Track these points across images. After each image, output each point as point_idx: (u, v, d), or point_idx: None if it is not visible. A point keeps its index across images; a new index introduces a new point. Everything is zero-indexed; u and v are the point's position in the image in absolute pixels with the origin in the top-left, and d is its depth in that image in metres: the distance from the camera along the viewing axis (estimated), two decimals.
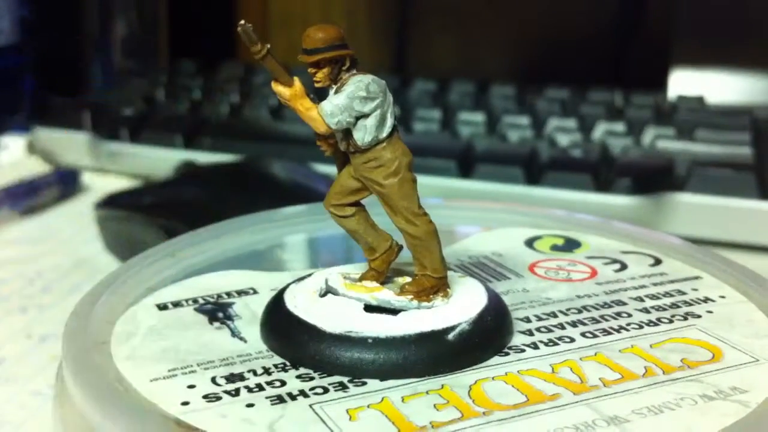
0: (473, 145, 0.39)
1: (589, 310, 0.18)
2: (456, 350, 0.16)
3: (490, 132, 0.42)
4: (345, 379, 0.15)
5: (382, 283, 0.17)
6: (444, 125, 0.43)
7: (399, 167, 0.16)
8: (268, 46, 0.16)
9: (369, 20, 0.62)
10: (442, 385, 0.15)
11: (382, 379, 0.15)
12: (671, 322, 0.18)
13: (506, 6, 0.59)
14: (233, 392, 0.15)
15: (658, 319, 0.18)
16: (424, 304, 0.17)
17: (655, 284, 0.20)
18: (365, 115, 0.16)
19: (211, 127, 0.43)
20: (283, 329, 0.17)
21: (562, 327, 0.17)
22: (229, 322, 0.18)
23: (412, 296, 0.17)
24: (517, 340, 0.17)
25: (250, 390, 0.15)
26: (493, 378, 0.15)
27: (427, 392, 0.15)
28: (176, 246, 0.22)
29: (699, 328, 0.17)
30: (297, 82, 0.16)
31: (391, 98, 0.17)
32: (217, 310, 0.18)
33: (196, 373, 0.15)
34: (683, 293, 0.19)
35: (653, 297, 0.19)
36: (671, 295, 0.19)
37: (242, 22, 0.15)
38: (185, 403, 0.14)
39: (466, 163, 0.38)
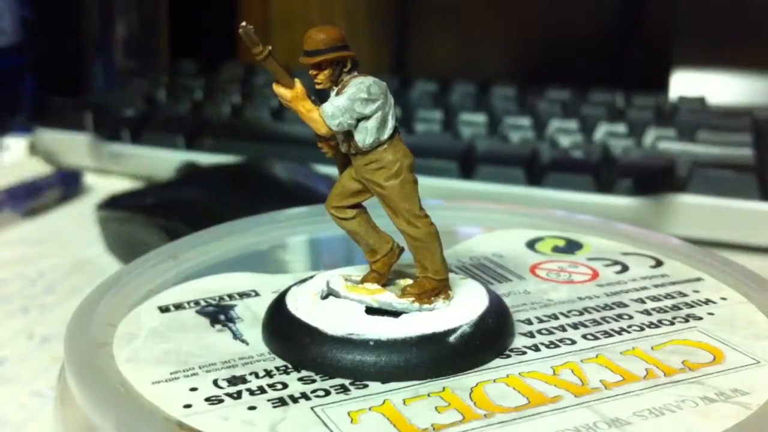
0: (474, 146, 0.39)
1: (590, 312, 0.18)
2: (457, 352, 0.16)
3: (491, 133, 0.42)
4: (346, 382, 0.15)
5: (384, 285, 0.17)
6: (445, 126, 0.43)
7: (400, 169, 0.16)
8: (270, 47, 0.16)
9: (369, 21, 0.62)
10: (444, 388, 0.15)
11: (383, 382, 0.15)
12: (672, 323, 0.18)
13: (507, 6, 0.59)
14: (235, 395, 0.15)
15: (659, 321, 0.18)
16: (426, 306, 0.17)
17: (656, 286, 0.20)
18: (366, 117, 0.16)
19: (213, 128, 0.43)
20: (285, 331, 0.17)
21: (563, 329, 0.17)
22: (230, 325, 0.18)
23: (413, 298, 0.17)
24: (519, 342, 0.17)
25: (251, 392, 0.15)
26: (494, 380, 0.15)
27: (428, 395, 0.15)
28: (178, 248, 0.22)
29: (700, 330, 0.17)
30: (298, 83, 0.16)
31: (392, 100, 0.17)
32: (218, 313, 0.18)
33: (198, 376, 0.16)
34: (684, 295, 0.19)
35: (654, 299, 0.19)
36: (672, 297, 0.19)
37: (243, 23, 0.15)
38: (187, 406, 0.14)
39: (467, 164, 0.38)
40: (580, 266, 0.21)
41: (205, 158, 0.40)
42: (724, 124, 0.41)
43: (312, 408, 0.14)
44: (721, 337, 0.17)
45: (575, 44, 0.57)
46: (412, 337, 0.16)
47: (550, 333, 0.17)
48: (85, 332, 0.17)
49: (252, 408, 0.14)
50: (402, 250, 0.18)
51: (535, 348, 0.17)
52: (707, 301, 0.19)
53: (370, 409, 0.14)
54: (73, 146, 0.45)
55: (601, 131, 0.41)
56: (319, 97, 0.17)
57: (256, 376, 0.15)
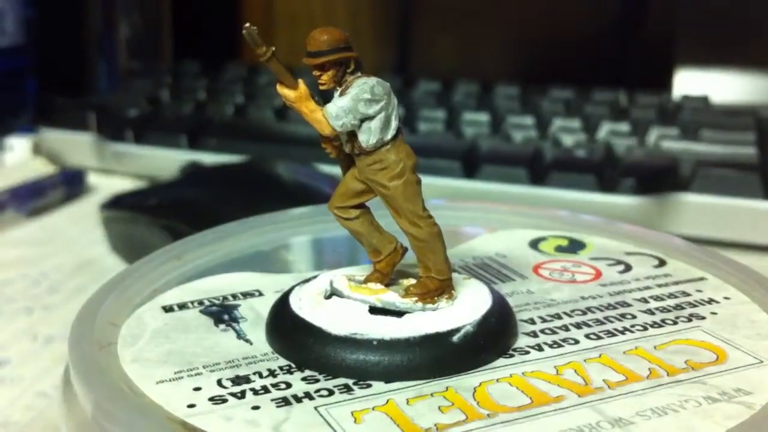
0: (477, 145, 0.39)
1: (593, 312, 0.18)
2: (461, 352, 0.16)
3: (494, 132, 0.42)
4: (350, 382, 0.15)
5: (387, 285, 0.17)
6: (448, 125, 0.43)
7: (403, 169, 0.17)
8: (273, 48, 0.16)
9: (372, 21, 0.62)
10: (447, 387, 0.15)
11: (387, 381, 0.15)
12: (675, 323, 0.18)
13: (510, 6, 0.59)
14: (239, 394, 0.15)
15: (663, 321, 0.18)
16: (429, 306, 0.17)
17: (659, 286, 0.20)
18: (370, 118, 0.16)
19: (216, 128, 0.43)
20: (288, 331, 0.17)
21: (566, 329, 0.17)
22: (234, 324, 0.18)
23: (416, 298, 0.17)
24: (522, 341, 0.17)
25: (255, 392, 0.15)
26: (497, 380, 0.15)
27: (431, 394, 0.15)
28: (182, 248, 0.22)
29: (703, 330, 0.17)
30: (302, 84, 0.16)
31: (396, 100, 0.17)
32: (222, 312, 0.18)
33: (202, 376, 0.16)
34: (687, 294, 0.19)
35: (657, 298, 0.19)
36: (675, 297, 0.19)
37: (247, 24, 0.16)
38: (191, 406, 0.14)
39: (471, 163, 0.38)
40: (583, 266, 0.21)
41: (209, 158, 0.40)
42: (728, 122, 0.41)
43: (316, 408, 0.14)
44: (724, 336, 0.17)
45: (578, 43, 0.57)
46: (415, 337, 0.16)
47: (554, 333, 0.17)
48: (89, 332, 0.17)
49: (255, 408, 0.14)
50: (405, 250, 0.18)
51: (539, 348, 0.17)
52: (710, 301, 0.19)
53: (373, 408, 0.14)
54: (76, 146, 0.45)
55: (604, 130, 0.41)
56: (323, 97, 0.17)
57: (260, 375, 0.16)
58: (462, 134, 0.42)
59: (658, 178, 0.36)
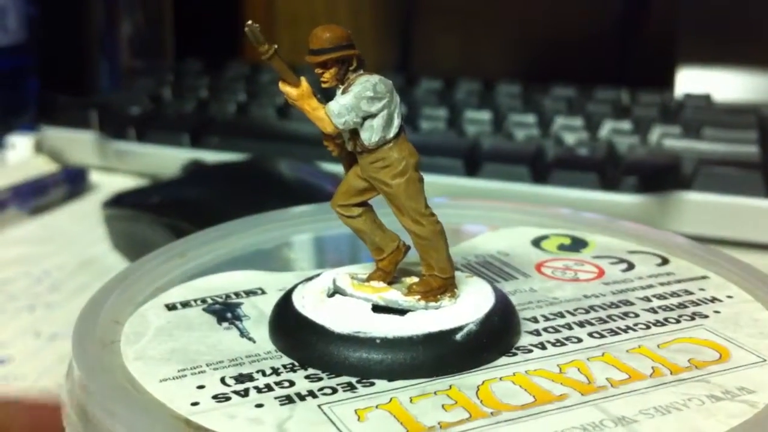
0: (479, 143, 0.39)
1: (596, 310, 0.18)
2: (464, 351, 0.16)
3: (496, 130, 0.42)
4: (353, 380, 0.15)
5: (390, 284, 0.17)
6: (450, 124, 0.43)
7: (406, 167, 0.17)
8: (275, 46, 0.16)
9: (374, 20, 0.61)
10: (450, 386, 0.15)
11: (390, 380, 0.15)
12: (678, 322, 0.18)
13: (512, 5, 0.59)
14: (242, 392, 0.15)
15: (666, 319, 0.18)
16: (432, 304, 0.17)
17: (662, 284, 0.20)
18: (372, 115, 0.16)
19: (218, 126, 0.43)
20: (292, 329, 0.17)
21: (569, 327, 0.17)
22: (237, 323, 0.18)
23: (419, 296, 0.17)
24: (525, 340, 0.17)
25: (259, 390, 0.15)
26: (500, 378, 0.15)
27: (435, 393, 0.15)
28: (184, 246, 0.22)
29: (706, 328, 0.17)
30: (304, 82, 0.16)
31: (398, 98, 0.17)
32: (225, 311, 0.18)
33: (206, 374, 0.16)
34: (690, 293, 0.19)
35: (660, 297, 0.19)
36: (678, 295, 0.19)
37: (249, 22, 0.15)
38: (195, 404, 0.14)
39: (473, 161, 0.38)
40: (585, 264, 0.21)
41: (211, 156, 0.40)
42: (730, 121, 0.41)
43: (319, 406, 0.14)
44: (727, 335, 0.17)
45: (580, 41, 0.57)
46: (418, 335, 0.16)
47: (557, 331, 0.17)
48: (92, 330, 0.17)
49: (259, 406, 0.14)
50: (408, 248, 0.18)
51: (542, 346, 0.17)
52: (713, 300, 0.19)
53: (377, 406, 0.14)
54: (78, 144, 0.45)
55: (606, 128, 0.41)
56: (325, 95, 0.17)
57: (263, 374, 0.16)
58: (464, 132, 0.42)
59: (660, 177, 0.36)
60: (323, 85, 0.16)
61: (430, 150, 0.37)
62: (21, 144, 0.48)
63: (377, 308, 0.17)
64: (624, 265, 0.21)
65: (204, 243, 0.22)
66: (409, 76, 0.50)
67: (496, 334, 0.16)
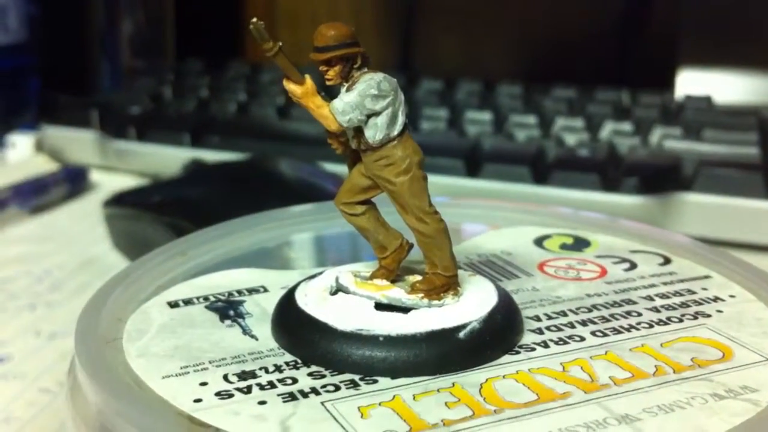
0: (480, 144, 0.39)
1: (599, 309, 0.18)
2: (467, 349, 0.16)
3: (497, 131, 0.42)
4: (356, 377, 0.15)
5: (393, 282, 0.17)
6: (451, 124, 0.43)
7: (410, 165, 0.17)
8: (280, 43, 0.16)
9: (375, 19, 0.62)
10: (453, 384, 0.15)
11: (393, 377, 0.15)
12: (681, 321, 0.18)
13: (513, 5, 0.59)
14: (245, 389, 0.15)
15: (668, 319, 0.18)
16: (435, 302, 0.17)
17: (664, 283, 0.20)
18: (376, 113, 0.16)
19: (219, 126, 0.43)
20: (295, 327, 0.17)
21: (572, 326, 0.17)
22: (240, 320, 0.18)
23: (422, 294, 0.17)
24: (528, 338, 0.17)
25: (261, 387, 0.15)
26: (504, 376, 0.15)
27: (438, 390, 0.15)
28: (185, 245, 0.22)
29: (709, 327, 0.17)
30: (308, 80, 0.16)
31: (402, 96, 0.17)
32: (227, 308, 0.18)
33: (208, 371, 0.16)
34: (693, 292, 0.19)
35: (663, 296, 0.19)
36: (681, 295, 0.19)
37: (254, 19, 0.15)
38: (198, 401, 0.14)
39: (473, 162, 0.38)
40: (588, 263, 0.21)
41: (211, 156, 0.40)
42: (730, 122, 0.41)
43: (322, 403, 0.14)
44: (730, 334, 0.17)
45: (581, 42, 0.57)
46: (421, 333, 0.16)
47: (559, 330, 0.17)
48: (94, 328, 0.17)
49: (262, 403, 0.14)
50: (411, 246, 0.18)
51: (544, 344, 0.17)
52: (716, 299, 0.19)
53: (380, 404, 0.14)
54: (79, 143, 0.45)
55: (607, 129, 0.41)
56: (329, 93, 0.17)
57: (266, 371, 0.16)
58: (465, 133, 0.42)
59: (661, 178, 0.36)
60: (327, 83, 0.16)
61: (430, 150, 0.37)
62: (21, 143, 0.48)
63: (380, 306, 0.17)
64: (626, 265, 0.21)
65: (204, 242, 0.22)
66: (410, 76, 0.50)
67: (499, 333, 0.16)
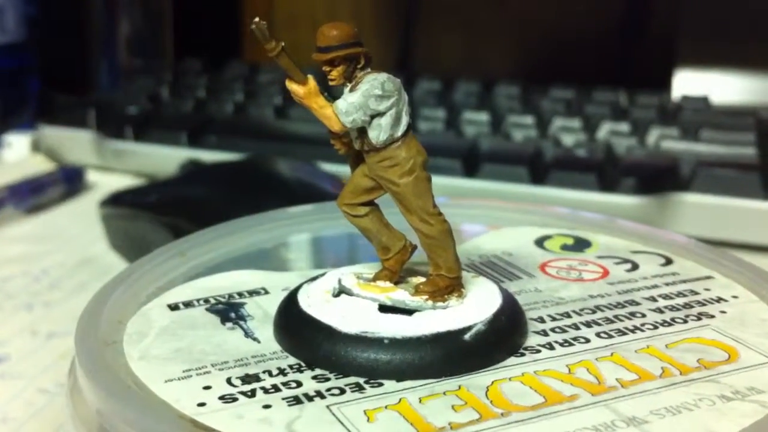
0: (478, 144, 0.39)
1: (602, 310, 0.18)
2: (472, 351, 0.16)
3: (494, 131, 0.42)
4: (361, 380, 0.15)
5: (396, 283, 0.17)
6: (449, 124, 0.43)
7: (414, 166, 0.16)
8: (282, 43, 0.16)
9: (375, 20, 0.61)
10: (459, 386, 0.15)
11: (398, 380, 0.15)
12: (685, 322, 0.18)
13: (511, 6, 0.59)
14: (249, 393, 0.15)
15: (672, 319, 0.18)
16: (439, 304, 0.17)
17: (667, 284, 0.20)
18: (380, 114, 0.16)
19: (216, 126, 0.43)
20: (298, 329, 0.16)
21: (576, 327, 0.17)
22: (242, 323, 0.18)
23: (426, 296, 0.17)
24: (533, 340, 0.17)
25: (266, 391, 0.15)
26: (510, 379, 0.15)
27: (444, 393, 0.15)
28: (185, 245, 0.22)
29: (713, 328, 0.17)
30: (311, 80, 0.16)
31: (406, 96, 0.16)
32: (228, 311, 0.18)
33: (211, 374, 0.15)
34: (696, 293, 0.19)
35: (666, 297, 0.19)
36: (684, 295, 0.19)
37: (257, 19, 0.15)
38: (201, 404, 0.14)
39: (471, 162, 0.38)
40: (589, 264, 0.21)
41: (209, 156, 0.40)
42: (728, 123, 0.41)
43: (328, 406, 0.14)
44: (735, 335, 0.17)
45: (579, 43, 0.57)
46: (426, 335, 0.16)
47: (564, 331, 0.17)
48: (94, 330, 0.17)
49: (267, 406, 0.14)
50: (415, 248, 0.17)
51: (549, 346, 0.16)
52: (719, 300, 0.19)
53: (386, 407, 0.14)
54: (76, 143, 0.45)
55: (604, 130, 0.41)
56: (331, 94, 0.17)
57: (270, 374, 0.15)
58: (462, 133, 0.42)
59: (658, 178, 0.36)
60: (330, 83, 0.16)
61: (428, 150, 0.37)
62: (18, 143, 0.47)
63: (384, 308, 0.17)
64: (628, 265, 0.21)
65: (203, 243, 0.22)
66: (408, 76, 0.50)
67: (504, 334, 0.16)
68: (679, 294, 0.19)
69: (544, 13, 0.58)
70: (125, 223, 0.33)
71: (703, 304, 0.19)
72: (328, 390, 0.15)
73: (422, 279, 0.17)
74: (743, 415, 0.14)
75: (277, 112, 0.45)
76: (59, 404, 0.23)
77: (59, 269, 0.32)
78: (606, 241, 0.23)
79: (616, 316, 0.18)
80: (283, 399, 0.15)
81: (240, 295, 0.19)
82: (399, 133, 0.16)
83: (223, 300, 0.19)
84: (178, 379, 0.15)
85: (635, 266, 0.21)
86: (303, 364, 0.16)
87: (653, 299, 0.19)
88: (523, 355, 0.16)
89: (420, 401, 0.14)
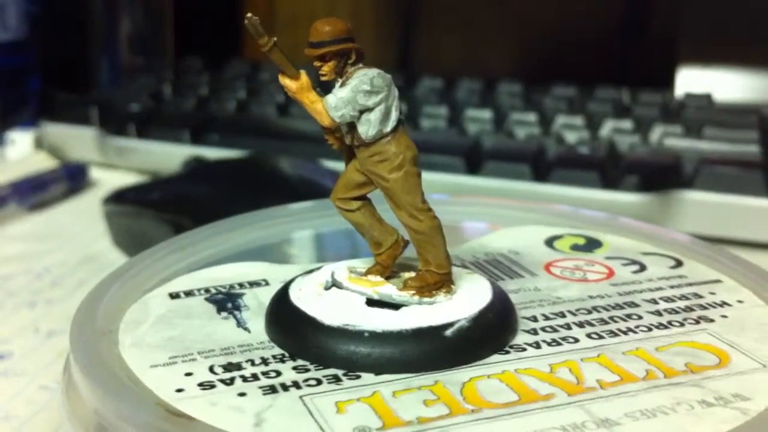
0: (480, 142, 0.39)
1: (599, 311, 0.18)
2: (453, 347, 0.15)
3: (497, 129, 0.42)
4: (340, 372, 0.15)
5: (388, 278, 0.17)
6: (451, 122, 0.43)
7: (403, 161, 0.16)
8: (275, 39, 0.16)
9: (375, 19, 0.61)
10: (436, 381, 0.15)
11: (376, 374, 0.15)
12: (682, 325, 0.17)
13: (513, 4, 0.59)
14: (228, 381, 0.15)
15: (669, 323, 0.17)
16: (426, 299, 0.17)
17: (672, 287, 0.19)
18: (369, 109, 0.16)
19: (218, 124, 0.43)
20: (284, 320, 0.17)
21: (568, 327, 0.17)
22: (236, 313, 0.18)
23: (414, 291, 0.17)
24: (520, 338, 0.17)
25: (244, 379, 0.15)
26: (488, 376, 0.15)
27: (419, 388, 0.15)
28: (186, 241, 0.22)
29: (710, 332, 0.17)
30: (303, 75, 0.16)
31: (397, 92, 0.16)
32: (226, 301, 0.18)
33: (196, 362, 0.16)
34: (700, 296, 0.19)
35: (668, 299, 0.19)
36: (687, 298, 0.19)
37: (249, 14, 0.15)
38: (179, 390, 0.14)
39: (474, 159, 0.38)
40: (596, 264, 0.21)
41: (211, 153, 0.40)
42: (731, 120, 0.40)
43: (300, 397, 0.14)
44: (730, 340, 0.17)
45: (581, 41, 0.57)
46: (407, 330, 0.15)
47: (554, 331, 0.17)
48: (91, 317, 0.17)
49: (242, 394, 0.14)
50: (407, 243, 0.17)
51: (536, 345, 0.16)
52: (722, 304, 0.18)
53: (358, 399, 0.14)
54: (78, 141, 0.45)
55: (607, 127, 0.41)
56: (326, 89, 0.17)
57: (252, 363, 0.15)
58: (465, 131, 0.42)
59: (661, 176, 0.36)
60: (322, 78, 0.16)
61: (431, 148, 0.37)
62: (21, 140, 0.48)
63: (372, 302, 0.17)
64: (635, 267, 0.20)
65: (204, 239, 0.22)
66: (410, 75, 0.50)
67: (489, 332, 0.16)
68: (682, 297, 0.19)
69: (545, 12, 0.58)
70: (128, 220, 0.33)
71: (705, 308, 0.18)
72: (305, 381, 0.15)
73: (413, 274, 0.17)
74: (722, 420, 0.14)
75: (279, 110, 0.45)
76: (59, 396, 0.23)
77: (62, 267, 0.32)
78: (617, 242, 0.22)
79: (611, 318, 0.18)
80: (260, 388, 0.15)
81: (240, 285, 0.19)
82: (388, 128, 0.16)
83: (223, 290, 0.19)
84: (163, 365, 0.15)
85: (643, 268, 0.20)
86: (286, 355, 0.16)
87: (654, 301, 0.18)
88: (507, 352, 0.16)
89: (393, 395, 0.14)
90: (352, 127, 0.16)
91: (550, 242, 0.22)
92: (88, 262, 0.33)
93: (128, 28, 0.55)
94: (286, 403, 0.14)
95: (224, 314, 0.18)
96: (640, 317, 0.18)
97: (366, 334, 0.15)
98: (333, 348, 0.15)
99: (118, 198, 0.33)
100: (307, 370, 0.15)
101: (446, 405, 0.14)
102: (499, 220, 0.24)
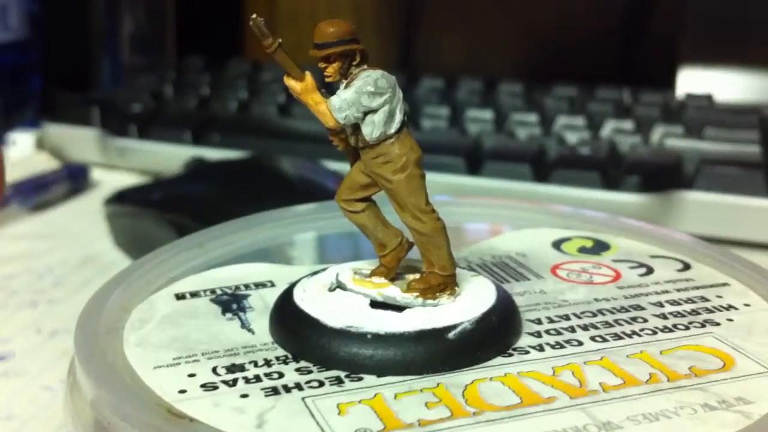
0: (481, 142, 0.39)
1: (603, 314, 0.18)
2: (456, 349, 0.15)
3: (498, 129, 0.42)
4: (342, 374, 0.15)
5: (392, 280, 0.17)
6: (452, 122, 0.43)
7: (407, 163, 0.16)
8: (280, 40, 0.16)
9: (376, 18, 0.61)
10: (438, 384, 0.15)
11: (379, 375, 0.15)
12: (688, 329, 0.17)
13: (514, 3, 0.59)
14: (231, 382, 0.15)
15: (674, 326, 0.17)
16: (430, 301, 0.17)
17: (678, 290, 0.19)
18: (373, 111, 0.16)
19: (220, 124, 0.43)
20: (287, 322, 0.17)
21: (572, 330, 0.17)
22: (240, 314, 0.18)
23: (417, 293, 0.17)
24: (524, 341, 0.16)
25: (247, 381, 0.15)
26: (491, 378, 0.15)
27: (421, 390, 0.15)
28: (188, 242, 0.22)
29: (715, 336, 0.17)
30: (308, 76, 0.16)
31: (401, 94, 0.16)
32: (231, 302, 0.18)
33: (199, 363, 0.16)
34: (706, 300, 0.19)
35: (674, 303, 0.18)
36: (693, 302, 0.19)
37: (254, 15, 0.16)
38: (182, 391, 0.14)
39: (474, 160, 0.38)
40: (603, 267, 0.21)
41: (213, 154, 0.40)
42: (731, 121, 0.40)
43: (303, 398, 0.14)
44: (736, 343, 0.17)
45: (582, 41, 0.57)
46: (410, 332, 0.15)
47: (558, 333, 0.17)
48: (97, 317, 0.17)
49: (244, 396, 0.14)
50: (411, 245, 0.17)
51: (540, 348, 0.16)
52: (729, 307, 0.18)
53: (360, 401, 0.14)
54: (80, 141, 0.45)
55: (608, 128, 0.41)
56: (330, 91, 0.17)
57: (255, 364, 0.15)
58: (466, 131, 0.42)
59: (662, 176, 0.36)
60: (326, 80, 0.16)
61: (431, 148, 0.37)
62: (22, 141, 0.48)
63: (376, 304, 0.17)
64: (643, 270, 0.20)
65: (205, 240, 0.22)
66: (411, 75, 0.50)
67: (492, 334, 0.16)
68: (689, 300, 0.19)
69: (546, 12, 0.58)
70: (129, 220, 0.33)
71: (712, 312, 0.18)
72: (308, 382, 0.15)
73: (418, 276, 0.17)
74: (723, 424, 0.14)
75: (281, 110, 0.45)
76: (63, 393, 0.23)
77: (63, 267, 0.32)
78: (626, 245, 0.22)
79: (616, 321, 0.18)
80: (262, 389, 0.15)
81: (246, 286, 0.19)
82: (392, 130, 0.16)
83: (228, 291, 0.19)
84: (167, 366, 0.15)
85: (650, 270, 0.20)
86: (289, 356, 0.16)
87: (660, 305, 0.18)
88: (511, 355, 0.16)
89: (395, 397, 0.14)
90: (356, 128, 0.16)
91: (557, 245, 0.22)
92: (90, 263, 0.33)
93: (129, 27, 0.55)
94: (288, 404, 0.14)
95: (229, 315, 0.18)
96: (645, 320, 0.18)
97: (369, 336, 0.15)
98: (335, 349, 0.15)
99: (120, 198, 0.33)
100: (310, 372, 0.15)
101: (448, 407, 0.14)
102: (504, 221, 0.24)
